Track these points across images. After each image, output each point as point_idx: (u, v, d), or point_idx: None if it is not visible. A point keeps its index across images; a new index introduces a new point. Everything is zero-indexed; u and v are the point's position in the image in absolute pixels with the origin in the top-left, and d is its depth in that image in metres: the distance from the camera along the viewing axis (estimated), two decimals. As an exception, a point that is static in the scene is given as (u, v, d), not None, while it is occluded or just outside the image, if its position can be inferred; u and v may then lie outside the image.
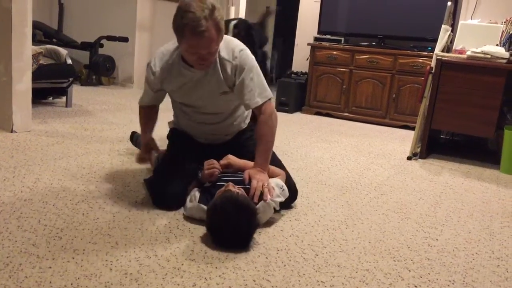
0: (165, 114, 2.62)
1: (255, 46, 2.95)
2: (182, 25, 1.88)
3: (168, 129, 2.57)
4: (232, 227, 1.75)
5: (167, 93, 2.32)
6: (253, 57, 2.14)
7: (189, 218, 2.01)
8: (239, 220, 1.74)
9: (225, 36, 2.06)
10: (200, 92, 2.18)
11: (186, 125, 2.40)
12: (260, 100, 2.09)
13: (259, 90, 2.09)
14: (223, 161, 2.15)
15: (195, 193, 2.02)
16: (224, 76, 2.11)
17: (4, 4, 3.10)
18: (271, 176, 2.12)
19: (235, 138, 2.42)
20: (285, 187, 2.08)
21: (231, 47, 2.10)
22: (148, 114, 2.38)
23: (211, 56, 1.99)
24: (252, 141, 2.30)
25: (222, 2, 7.49)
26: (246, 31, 2.96)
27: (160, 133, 2.64)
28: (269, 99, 2.13)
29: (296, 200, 2.32)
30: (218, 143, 2.38)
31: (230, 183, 1.94)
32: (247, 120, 2.46)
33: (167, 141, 2.50)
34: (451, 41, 3.97)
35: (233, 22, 2.98)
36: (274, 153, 2.32)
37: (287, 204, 2.21)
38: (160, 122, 2.48)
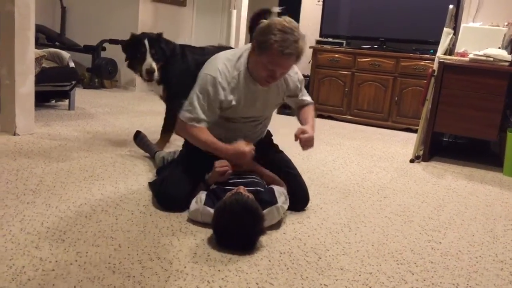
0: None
1: (167, 57, 2.99)
2: (272, 41, 1.93)
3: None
4: (238, 229, 1.75)
5: None
6: None
7: (192, 221, 2.01)
8: (246, 222, 1.74)
9: None
10: (257, 104, 2.22)
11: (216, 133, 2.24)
12: (311, 99, 2.49)
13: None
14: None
15: (201, 196, 2.02)
16: (286, 86, 2.29)
17: (7, 8, 3.11)
18: (275, 184, 2.15)
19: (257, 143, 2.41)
20: (287, 196, 2.12)
21: None
22: (205, 129, 2.12)
23: (281, 76, 2.12)
24: (271, 150, 2.47)
25: (224, 5, 7.52)
26: (158, 46, 2.96)
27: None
28: None
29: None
30: None
31: (241, 186, 1.95)
32: (266, 129, 2.52)
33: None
34: (453, 44, 3.97)
35: (146, 42, 2.90)
36: (284, 154, 2.46)
37: (300, 208, 2.28)
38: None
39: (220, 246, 1.79)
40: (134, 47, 2.94)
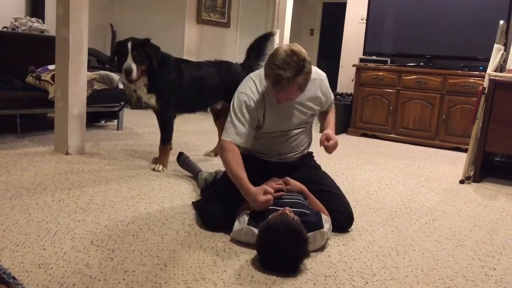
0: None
1: (152, 61, 3.05)
2: (268, 72, 2.03)
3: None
4: (282, 250, 1.73)
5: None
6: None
7: (236, 241, 2.01)
8: (290, 244, 1.73)
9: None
10: (281, 118, 2.27)
11: (257, 147, 2.34)
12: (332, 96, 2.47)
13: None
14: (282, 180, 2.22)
15: (244, 216, 2.02)
16: (314, 95, 2.31)
17: (62, 33, 3.29)
18: (319, 210, 2.12)
19: (299, 159, 2.43)
20: (331, 225, 2.10)
21: (318, 72, 2.33)
22: (239, 160, 2.11)
23: (292, 99, 2.17)
24: (313, 168, 2.48)
25: (267, 25, 7.61)
26: (142, 49, 3.03)
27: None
28: None
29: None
30: (286, 161, 2.39)
31: (287, 208, 1.94)
32: (308, 147, 2.51)
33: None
34: (504, 60, 3.83)
35: (129, 45, 3.00)
36: (328, 175, 2.45)
37: (345, 227, 2.26)
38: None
39: (264, 267, 1.78)
40: (119, 51, 3.04)
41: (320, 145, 2.26)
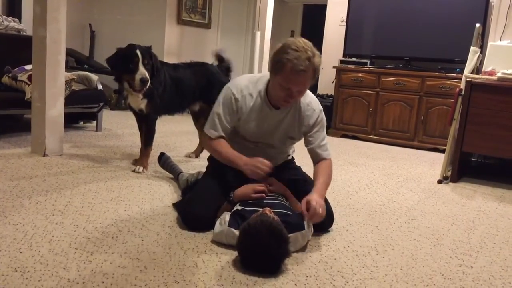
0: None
1: (154, 69, 3.04)
2: (285, 60, 1.98)
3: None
4: (262, 250, 1.73)
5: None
6: None
7: (217, 242, 2.00)
8: (270, 244, 1.73)
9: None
10: (267, 128, 2.25)
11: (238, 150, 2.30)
12: (329, 155, 2.30)
13: (328, 146, 2.32)
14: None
15: (226, 217, 2.01)
16: (300, 121, 2.24)
17: (39, 33, 3.22)
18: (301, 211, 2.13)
19: (281, 164, 2.45)
20: (312, 228, 2.09)
21: (314, 98, 2.29)
22: (225, 142, 2.24)
23: (299, 95, 2.13)
24: (294, 170, 2.47)
25: (248, 27, 7.62)
26: (149, 58, 3.00)
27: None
28: None
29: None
30: None
31: (267, 208, 1.95)
32: (292, 152, 2.55)
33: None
34: (480, 62, 3.91)
35: (139, 52, 2.93)
36: (309, 176, 2.40)
37: (325, 227, 2.25)
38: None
39: (245, 267, 1.78)
40: (126, 58, 2.95)
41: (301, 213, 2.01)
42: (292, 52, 1.97)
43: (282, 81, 2.03)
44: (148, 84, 2.94)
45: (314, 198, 2.00)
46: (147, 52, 3.01)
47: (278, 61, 2.01)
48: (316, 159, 2.26)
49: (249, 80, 2.25)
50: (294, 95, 2.09)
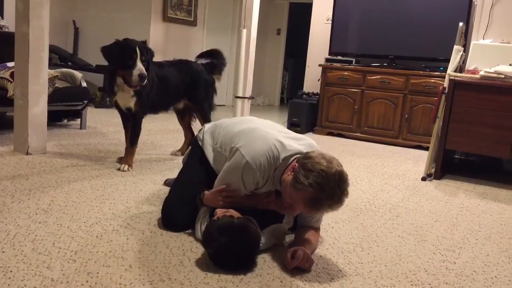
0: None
1: (149, 65, 3.02)
2: (319, 197, 1.72)
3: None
4: (225, 251, 1.74)
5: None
6: None
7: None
8: (228, 242, 1.73)
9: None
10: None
11: None
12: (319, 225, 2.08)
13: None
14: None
15: (206, 217, 2.01)
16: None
17: (22, 30, 3.18)
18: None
19: None
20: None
21: None
22: None
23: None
24: None
25: (234, 24, 7.61)
26: (146, 54, 2.98)
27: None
28: None
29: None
30: None
31: (231, 210, 1.92)
32: None
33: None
34: (463, 61, 3.96)
35: (137, 49, 2.91)
36: None
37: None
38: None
39: (219, 266, 1.76)
40: (123, 52, 2.92)
41: (287, 263, 1.82)
42: (329, 192, 1.71)
43: (295, 198, 1.80)
44: (145, 80, 2.91)
45: (303, 249, 1.82)
46: (145, 47, 2.98)
47: (301, 183, 1.74)
48: (309, 223, 2.04)
49: (271, 150, 1.93)
50: (296, 212, 1.94)
